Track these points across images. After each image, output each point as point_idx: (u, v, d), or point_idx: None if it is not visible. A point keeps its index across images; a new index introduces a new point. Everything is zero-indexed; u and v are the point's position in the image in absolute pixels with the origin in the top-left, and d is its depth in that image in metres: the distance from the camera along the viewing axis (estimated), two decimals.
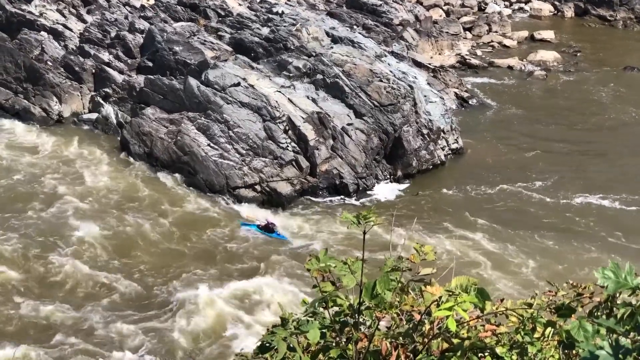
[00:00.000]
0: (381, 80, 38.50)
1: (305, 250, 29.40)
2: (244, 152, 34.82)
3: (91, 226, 30.43)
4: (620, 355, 2.98)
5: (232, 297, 26.39)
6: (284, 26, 43.55)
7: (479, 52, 55.59)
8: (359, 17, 52.00)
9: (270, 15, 46.20)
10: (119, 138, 38.08)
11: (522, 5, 67.96)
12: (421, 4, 60.35)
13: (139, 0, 50.63)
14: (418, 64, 46.94)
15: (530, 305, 3.91)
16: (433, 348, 3.82)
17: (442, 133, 38.46)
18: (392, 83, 38.42)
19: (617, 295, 3.49)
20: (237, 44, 42.93)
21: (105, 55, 43.42)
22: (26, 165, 35.81)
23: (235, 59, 40.34)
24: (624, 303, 3.28)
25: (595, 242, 30.70)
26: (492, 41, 58.15)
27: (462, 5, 64.79)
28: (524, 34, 59.89)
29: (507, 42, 58.10)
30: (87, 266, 27.81)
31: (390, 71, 39.83)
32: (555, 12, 66.68)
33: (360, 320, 3.94)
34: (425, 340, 3.82)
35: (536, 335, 3.82)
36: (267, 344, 3.98)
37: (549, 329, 3.79)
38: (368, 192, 35.08)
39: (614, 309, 3.52)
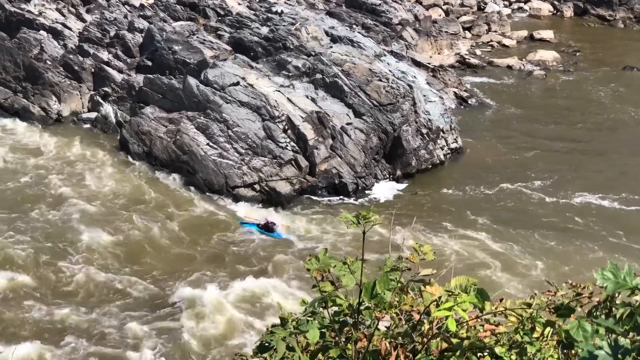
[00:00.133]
0: (380, 80, 38.50)
1: (312, 251, 29.39)
2: (243, 151, 34.83)
3: (96, 228, 30.34)
4: (619, 355, 2.98)
5: (239, 299, 26.37)
6: (283, 25, 43.54)
7: (478, 52, 55.60)
8: (358, 17, 52.00)
9: (270, 15, 46.20)
10: (118, 137, 38.08)
11: (522, 4, 67.97)
12: (420, 3, 60.35)
13: None
14: (417, 64, 46.95)
15: (529, 305, 3.91)
16: (432, 348, 3.82)
17: (441, 132, 38.46)
18: (392, 82, 38.43)
19: (616, 295, 3.49)
20: (237, 43, 42.92)
21: (105, 55, 43.41)
22: (29, 166, 35.72)
23: (235, 58, 40.33)
24: (623, 303, 3.28)
25: (597, 242, 30.71)
26: (491, 41, 58.16)
27: (462, 5, 64.79)
28: (523, 33, 59.90)
29: (506, 41, 58.11)
30: (94, 269, 27.75)
31: (390, 71, 39.83)
32: (555, 11, 66.69)
33: (360, 320, 3.94)
34: (425, 340, 3.82)
35: (535, 335, 3.82)
36: (267, 344, 3.99)
37: (548, 328, 3.80)
38: (367, 192, 35.09)
39: (613, 309, 3.53)
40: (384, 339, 3.91)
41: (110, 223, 30.98)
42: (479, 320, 3.86)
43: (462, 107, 44.94)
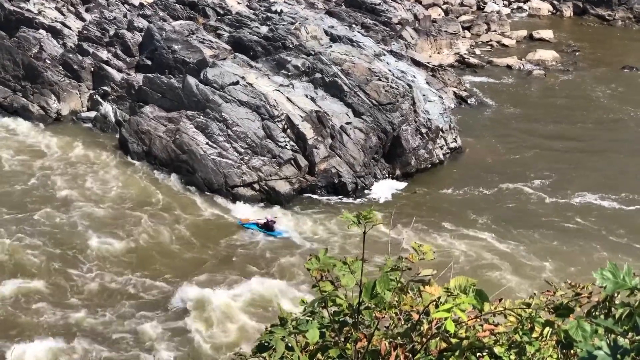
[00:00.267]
0: (380, 79, 38.50)
1: (316, 251, 29.24)
2: (243, 150, 34.82)
3: (102, 231, 30.26)
4: (618, 356, 2.98)
5: (247, 301, 26.36)
6: (283, 25, 43.53)
7: (477, 51, 55.59)
8: (357, 16, 51.98)
9: (269, 14, 46.18)
10: (117, 136, 38.07)
11: (521, 4, 67.92)
12: (420, 2, 60.31)
13: None
14: (417, 63, 46.94)
15: (528, 305, 3.91)
16: (431, 348, 3.82)
17: (440, 132, 38.46)
18: (391, 82, 38.43)
19: (616, 295, 3.50)
20: (236, 42, 42.91)
21: (104, 54, 43.39)
22: (31, 167, 35.56)
23: (234, 57, 40.33)
24: (622, 303, 3.29)
25: (599, 242, 30.69)
26: (490, 40, 58.13)
27: (461, 4, 64.75)
28: (523, 33, 59.87)
29: (505, 41, 58.08)
30: (102, 272, 27.73)
31: (389, 70, 39.83)
32: (554, 11, 66.67)
33: (360, 320, 3.94)
34: (424, 340, 3.82)
35: (534, 335, 3.82)
36: (266, 344, 3.99)
37: (547, 328, 3.80)
38: (366, 191, 35.08)
39: (612, 309, 3.53)
40: (383, 339, 3.91)
41: (115, 225, 30.88)
42: (478, 320, 3.87)
43: (462, 106, 44.93)
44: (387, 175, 36.53)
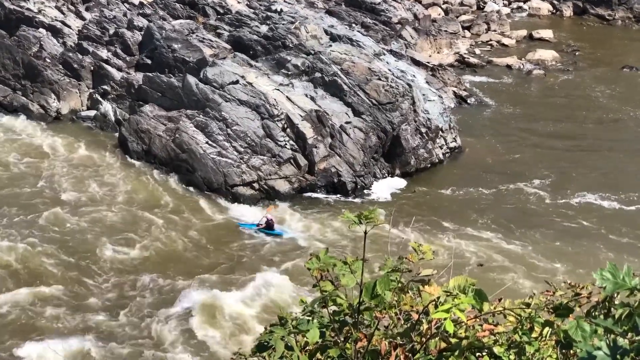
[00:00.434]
0: (380, 79, 38.50)
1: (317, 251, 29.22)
2: (242, 150, 34.82)
3: (110, 234, 30.18)
4: (617, 356, 2.99)
5: (254, 302, 26.37)
6: (283, 24, 43.53)
7: (477, 51, 55.60)
8: (357, 16, 51.98)
9: (269, 13, 46.17)
10: (117, 135, 38.07)
11: (521, 4, 67.93)
12: (420, 2, 60.30)
13: None
14: (417, 63, 46.95)
15: (528, 305, 3.91)
16: (431, 347, 3.82)
17: (440, 132, 38.47)
18: (391, 81, 38.43)
19: (615, 295, 3.50)
20: (236, 41, 42.91)
21: (104, 53, 43.39)
22: (34, 167, 35.29)
23: (234, 56, 40.32)
24: (622, 303, 3.29)
25: (602, 242, 30.60)
26: (490, 40, 58.14)
27: (461, 4, 64.76)
28: (523, 33, 59.87)
29: (505, 40, 58.09)
30: (114, 274, 27.75)
31: (389, 70, 39.83)
32: (554, 11, 66.67)
33: (360, 319, 3.94)
34: (423, 340, 3.83)
35: (534, 335, 3.82)
36: (265, 343, 3.99)
37: (546, 328, 3.80)
38: (366, 191, 35.09)
39: (612, 309, 3.53)
40: (383, 338, 3.92)
41: (123, 228, 30.56)
42: (478, 320, 3.87)
43: (462, 106, 44.94)
44: (386, 174, 36.53)
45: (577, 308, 3.86)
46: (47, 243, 29.30)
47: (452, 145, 38.94)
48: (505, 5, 66.82)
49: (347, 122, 36.51)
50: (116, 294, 26.72)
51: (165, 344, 24.24)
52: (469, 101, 45.59)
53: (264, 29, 43.55)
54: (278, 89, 37.46)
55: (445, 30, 57.07)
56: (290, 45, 41.27)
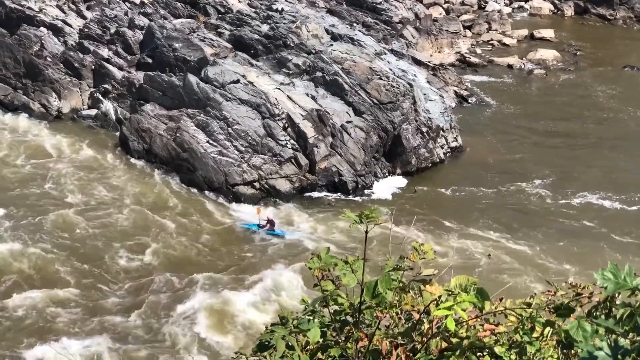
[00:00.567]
0: (381, 78, 38.49)
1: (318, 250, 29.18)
2: (243, 149, 34.82)
3: (118, 236, 30.13)
4: (619, 356, 2.98)
5: (259, 303, 26.39)
6: (284, 23, 43.52)
7: (478, 51, 55.57)
8: (358, 15, 51.98)
9: (270, 12, 46.16)
10: (117, 134, 38.06)
11: (522, 3, 67.89)
12: (421, 1, 60.26)
13: None
14: (418, 62, 46.92)
15: (529, 305, 3.91)
16: (432, 347, 3.82)
17: (441, 131, 38.45)
18: (392, 81, 38.42)
19: (616, 295, 3.50)
20: (237, 41, 42.90)
21: (105, 52, 43.39)
22: (38, 169, 35.37)
23: (235, 56, 40.32)
24: (623, 303, 3.28)
25: (605, 241, 30.67)
26: (491, 39, 58.11)
27: (462, 4, 64.73)
28: (524, 32, 59.85)
29: (506, 40, 58.06)
30: (124, 276, 27.82)
31: (390, 69, 39.82)
32: (555, 10, 66.63)
33: (361, 319, 3.94)
34: (424, 339, 3.82)
35: (535, 334, 3.82)
36: (266, 343, 3.99)
37: (547, 328, 3.80)
38: (367, 190, 35.07)
39: (613, 309, 3.53)
40: (384, 338, 3.92)
41: (132, 231, 30.63)
42: (479, 319, 3.87)
43: (462, 105, 44.92)
44: (387, 174, 36.52)
45: (578, 308, 3.85)
46: (57, 246, 29.23)
47: (453, 144, 38.92)
48: (506, 5, 66.79)
49: (348, 122, 36.50)
50: (129, 296, 26.74)
51: (178, 346, 24.27)
52: (470, 101, 45.57)
53: (265, 28, 43.54)
54: (279, 88, 37.45)
55: (447, 30, 57.05)
56: (291, 44, 41.26)
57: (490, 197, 34.58)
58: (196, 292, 26.76)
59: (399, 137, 36.80)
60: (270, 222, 31.03)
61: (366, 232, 3.96)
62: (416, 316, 3.91)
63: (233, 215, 32.45)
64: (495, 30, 59.85)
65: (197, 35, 43.28)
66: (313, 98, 37.29)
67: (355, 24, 48.82)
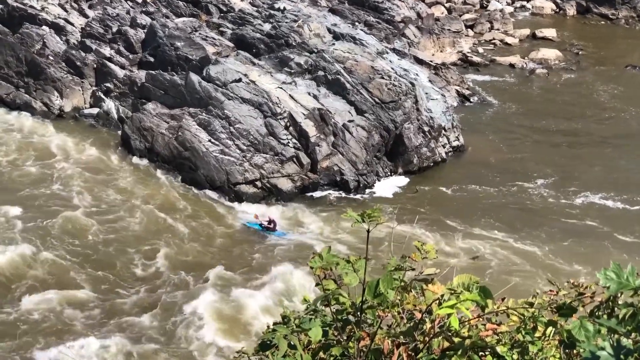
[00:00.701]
0: (382, 77, 38.48)
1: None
2: (245, 148, 34.82)
3: (126, 237, 30.09)
4: (621, 356, 2.98)
5: (263, 303, 26.40)
6: (286, 22, 43.51)
7: (480, 50, 55.56)
8: (360, 14, 51.97)
9: (272, 12, 46.17)
10: (119, 133, 38.06)
11: (524, 3, 67.88)
12: (423, 1, 60.26)
13: None
14: (419, 61, 46.91)
15: (531, 305, 3.90)
16: (434, 347, 3.82)
17: (443, 130, 38.44)
18: (394, 80, 38.40)
19: (619, 295, 3.49)
20: (239, 39, 42.90)
21: (107, 50, 43.41)
22: (43, 168, 35.27)
23: (237, 54, 40.32)
24: (626, 303, 3.28)
25: (609, 241, 30.63)
26: (493, 39, 58.10)
27: (464, 3, 64.74)
28: (526, 32, 59.84)
29: (508, 39, 58.05)
30: (133, 277, 27.87)
31: (392, 68, 39.81)
32: (557, 10, 66.60)
33: (362, 318, 3.93)
34: (426, 339, 3.82)
35: (537, 334, 3.82)
36: (268, 342, 3.99)
37: (550, 328, 3.79)
38: (369, 189, 35.06)
39: (616, 309, 3.52)
40: (386, 337, 3.91)
41: (142, 231, 30.58)
42: (481, 319, 3.86)
43: (464, 105, 44.90)
44: (389, 173, 36.51)
45: (580, 308, 3.85)
46: (69, 251, 29.14)
47: (455, 143, 38.91)
48: (508, 4, 66.78)
49: (349, 121, 36.49)
50: (143, 297, 26.69)
51: (191, 347, 24.28)
52: (471, 100, 45.56)
53: (267, 27, 43.54)
54: (281, 87, 37.45)
55: (449, 29, 57.03)
56: (293, 43, 41.25)
57: (492, 196, 34.55)
58: (208, 293, 26.69)
59: (400, 137, 36.80)
60: (272, 222, 31.03)
61: (368, 231, 3.96)
62: (418, 315, 3.90)
63: (240, 216, 32.38)
64: (497, 29, 59.83)
65: (199, 34, 43.29)
66: (315, 97, 37.29)
67: (357, 23, 48.82)
